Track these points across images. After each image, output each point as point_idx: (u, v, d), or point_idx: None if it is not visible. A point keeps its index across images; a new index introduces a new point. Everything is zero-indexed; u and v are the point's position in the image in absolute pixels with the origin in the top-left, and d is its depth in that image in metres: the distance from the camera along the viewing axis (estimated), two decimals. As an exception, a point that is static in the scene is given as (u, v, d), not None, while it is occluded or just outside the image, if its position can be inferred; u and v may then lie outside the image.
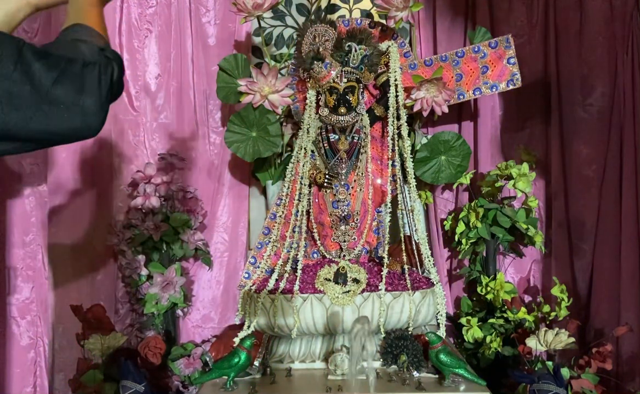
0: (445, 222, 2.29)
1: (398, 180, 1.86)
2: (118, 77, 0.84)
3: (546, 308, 2.05)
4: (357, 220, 1.86)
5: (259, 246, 1.99)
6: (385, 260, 1.78)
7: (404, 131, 1.87)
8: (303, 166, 1.86)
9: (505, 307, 2.07)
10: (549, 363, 1.86)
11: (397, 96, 1.87)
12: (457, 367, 1.61)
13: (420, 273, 1.88)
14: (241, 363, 1.63)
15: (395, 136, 1.86)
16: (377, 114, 1.93)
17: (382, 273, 1.74)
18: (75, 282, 2.31)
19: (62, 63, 0.76)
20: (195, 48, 2.40)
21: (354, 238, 1.87)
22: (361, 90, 1.89)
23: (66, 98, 0.74)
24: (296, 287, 1.73)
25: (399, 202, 1.94)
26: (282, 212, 1.91)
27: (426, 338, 1.66)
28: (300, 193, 1.86)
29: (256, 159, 2.14)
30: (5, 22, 0.95)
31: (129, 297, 2.28)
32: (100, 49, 0.82)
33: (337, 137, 1.87)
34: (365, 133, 1.88)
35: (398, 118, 1.87)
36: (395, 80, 1.88)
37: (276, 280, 1.78)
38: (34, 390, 2.29)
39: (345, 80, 1.83)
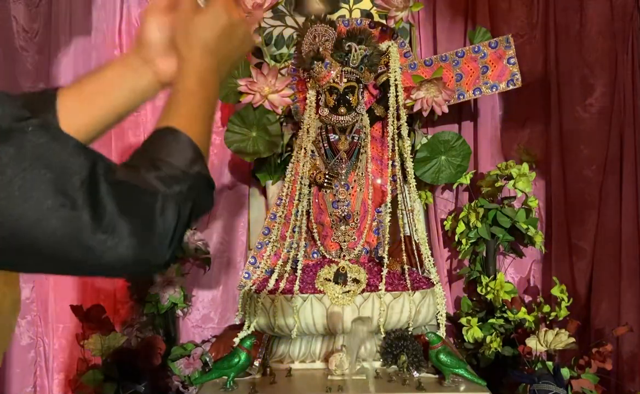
0: (445, 222, 2.28)
1: (398, 180, 1.86)
2: (201, 203, 0.71)
3: (546, 308, 2.04)
4: (357, 220, 1.86)
5: (259, 246, 1.99)
6: (385, 260, 1.78)
7: (404, 131, 1.87)
8: (303, 166, 1.86)
9: (505, 307, 2.07)
10: (549, 363, 1.86)
11: (397, 96, 1.87)
12: (457, 367, 1.61)
13: (420, 273, 1.88)
14: (241, 363, 1.63)
15: (395, 136, 1.86)
16: (377, 114, 1.92)
17: (382, 273, 1.74)
18: (75, 282, 2.31)
19: (132, 191, 0.64)
20: (195, 48, 2.39)
21: (354, 238, 1.87)
22: (361, 90, 1.89)
23: (124, 231, 0.62)
24: (296, 287, 1.73)
25: (399, 202, 1.94)
26: (282, 212, 1.91)
27: (426, 338, 1.66)
28: (300, 193, 1.86)
29: (256, 159, 2.14)
30: (129, 99, 0.84)
31: (129, 297, 2.28)
32: (181, 173, 0.68)
33: (337, 137, 1.87)
34: (365, 133, 1.88)
35: (398, 118, 1.87)
36: (395, 80, 1.88)
37: (276, 280, 1.78)
38: (34, 390, 2.29)
39: (345, 80, 1.83)
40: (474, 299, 2.23)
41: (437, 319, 1.83)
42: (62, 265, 0.64)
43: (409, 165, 1.88)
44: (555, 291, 2.06)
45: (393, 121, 1.85)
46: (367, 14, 2.24)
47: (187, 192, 0.68)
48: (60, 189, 0.60)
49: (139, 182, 0.65)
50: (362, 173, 1.88)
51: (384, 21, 2.00)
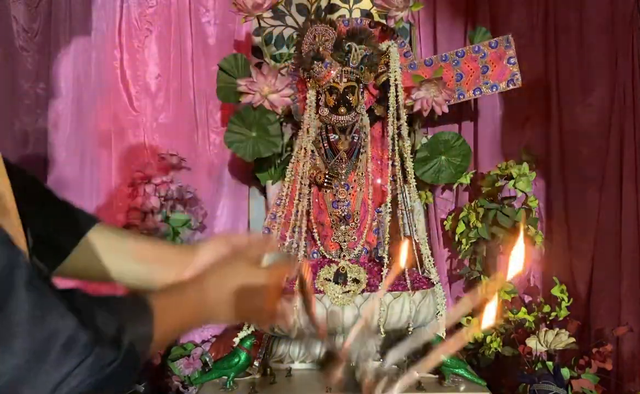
0: (445, 222, 2.28)
1: (398, 180, 1.86)
2: (114, 370, 0.59)
3: (546, 308, 2.04)
4: (357, 220, 1.86)
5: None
6: (385, 260, 1.78)
7: (404, 131, 1.87)
8: (303, 166, 1.86)
9: (506, 307, 2.07)
10: (549, 363, 1.86)
11: (397, 96, 1.87)
12: (457, 367, 1.61)
13: (420, 273, 1.88)
14: (241, 363, 1.64)
15: (395, 136, 1.86)
16: (377, 114, 1.92)
17: (382, 273, 1.74)
18: (74, 282, 2.31)
19: (46, 308, 0.55)
20: (195, 48, 2.40)
21: (354, 238, 1.87)
22: (361, 90, 1.89)
23: (20, 347, 0.53)
24: (296, 287, 1.73)
25: (399, 202, 1.94)
26: (282, 212, 1.91)
27: (426, 338, 1.66)
28: (300, 193, 1.86)
29: (256, 159, 2.14)
30: (139, 278, 0.85)
31: (129, 297, 2.27)
32: (120, 330, 0.61)
33: (337, 137, 1.87)
34: (365, 133, 1.88)
35: (398, 118, 1.87)
36: (395, 80, 1.88)
37: (276, 280, 1.78)
38: (34, 390, 2.29)
39: (345, 80, 1.83)
40: (474, 299, 2.22)
41: (437, 319, 1.83)
42: None
43: (409, 165, 1.88)
44: (555, 291, 2.06)
45: (393, 121, 1.85)
46: (367, 14, 2.24)
47: (108, 350, 0.58)
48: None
49: (68, 305, 0.57)
50: (362, 173, 1.88)
51: (384, 21, 2.00)
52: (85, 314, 0.58)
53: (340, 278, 1.74)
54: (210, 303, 0.77)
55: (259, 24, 2.11)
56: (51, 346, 0.54)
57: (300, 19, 2.25)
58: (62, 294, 0.58)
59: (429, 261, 1.87)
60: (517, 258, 0.71)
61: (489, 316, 0.69)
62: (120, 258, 0.86)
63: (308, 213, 1.89)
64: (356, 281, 1.74)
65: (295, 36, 2.14)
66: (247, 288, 0.79)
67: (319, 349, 1.77)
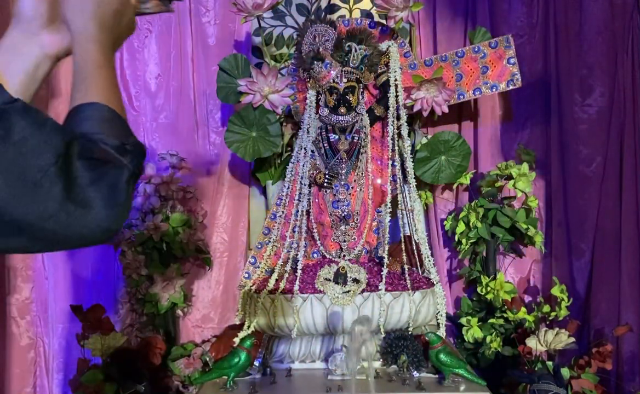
0: (445, 222, 2.28)
1: (398, 180, 1.86)
2: (139, 169, 0.76)
3: (546, 308, 2.05)
4: (357, 220, 1.86)
5: (259, 246, 1.99)
6: (385, 260, 1.78)
7: (404, 131, 1.87)
8: (303, 166, 1.87)
9: (505, 307, 2.07)
10: (549, 363, 1.86)
11: (397, 96, 1.87)
12: (457, 367, 1.61)
13: (420, 273, 1.88)
14: (241, 363, 1.64)
15: (395, 136, 1.86)
16: (377, 114, 1.92)
17: (382, 273, 1.74)
18: (75, 282, 2.31)
19: (103, 166, 0.69)
20: (195, 48, 2.40)
21: (354, 238, 1.87)
22: (361, 90, 1.89)
23: (95, 202, 0.67)
24: (296, 287, 1.73)
25: (399, 202, 1.94)
26: (282, 212, 1.91)
27: (426, 338, 1.66)
28: (300, 193, 1.86)
29: (256, 159, 2.14)
30: (25, 83, 0.85)
31: (129, 297, 2.27)
32: (123, 145, 0.73)
33: (337, 137, 1.87)
34: (365, 133, 1.88)
35: (398, 118, 1.87)
36: (395, 80, 1.88)
37: (276, 280, 1.78)
38: (33, 390, 2.29)
39: (345, 80, 1.83)
40: (474, 299, 2.23)
41: (437, 319, 1.83)
42: (36, 241, 0.68)
43: (409, 165, 1.88)
44: (555, 291, 2.06)
45: (393, 121, 1.85)
46: (367, 14, 2.24)
47: (133, 161, 0.73)
48: (36, 166, 0.65)
49: (107, 156, 0.70)
50: (362, 173, 1.88)
51: (384, 21, 2.00)
52: (111, 153, 0.71)
53: (340, 278, 1.74)
54: (110, 43, 0.81)
55: (259, 24, 2.11)
56: (116, 193, 0.69)
57: (300, 19, 2.25)
58: (91, 145, 0.71)
59: (429, 261, 1.87)
60: None
61: None
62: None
63: (308, 213, 1.89)
64: (356, 281, 1.74)
65: (295, 36, 2.14)
66: (114, 12, 0.82)
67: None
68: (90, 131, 0.72)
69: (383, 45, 1.91)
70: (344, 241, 1.87)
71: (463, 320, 2.14)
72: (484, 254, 2.20)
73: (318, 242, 1.89)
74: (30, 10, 0.83)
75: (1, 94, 0.67)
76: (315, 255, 1.94)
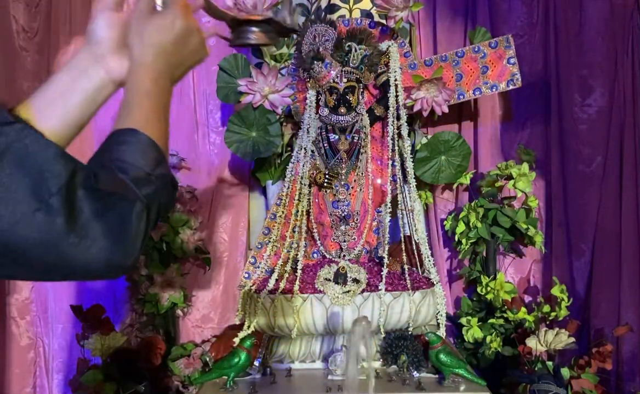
0: (445, 222, 2.28)
1: (398, 180, 1.86)
2: (165, 204, 0.72)
3: (546, 308, 2.05)
4: (357, 220, 1.86)
5: (259, 246, 1.99)
6: (385, 260, 1.78)
7: (404, 131, 1.87)
8: (303, 166, 1.86)
9: (505, 307, 2.07)
10: (549, 363, 1.86)
11: (397, 96, 1.87)
12: (457, 367, 1.61)
13: (420, 273, 1.88)
14: (241, 363, 1.63)
15: (395, 136, 1.86)
16: (377, 114, 1.92)
17: (382, 273, 1.74)
18: (75, 282, 2.31)
19: (110, 197, 0.65)
20: (195, 48, 2.39)
21: (354, 238, 1.87)
22: (361, 90, 1.89)
23: (100, 234, 0.63)
24: (296, 287, 1.73)
25: (399, 202, 1.94)
26: (282, 212, 1.91)
27: (426, 338, 1.66)
28: (300, 193, 1.86)
29: (256, 159, 2.14)
30: (85, 104, 0.83)
31: (129, 297, 2.28)
32: (147, 176, 0.69)
33: (337, 137, 1.87)
34: (365, 133, 1.88)
35: (398, 118, 1.87)
36: (395, 80, 1.88)
37: (276, 280, 1.78)
38: (33, 390, 2.29)
39: (345, 80, 1.83)
40: (474, 299, 2.23)
41: (437, 319, 1.83)
42: (36, 271, 0.65)
43: (409, 165, 1.88)
44: (555, 291, 2.06)
45: (393, 121, 1.85)
46: (367, 14, 2.23)
47: (154, 194, 0.69)
48: (36, 194, 0.61)
49: (116, 186, 0.66)
50: (362, 173, 1.88)
51: (384, 21, 2.00)
52: (125, 183, 0.67)
53: (340, 278, 1.74)
54: (164, 75, 0.79)
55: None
56: (124, 226, 0.65)
57: (300, 19, 2.25)
58: (101, 174, 0.67)
59: (429, 261, 1.87)
60: None
61: None
62: (50, 113, 0.82)
63: (308, 213, 1.89)
64: (356, 281, 1.74)
65: (295, 36, 2.14)
66: (178, 36, 0.81)
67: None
68: (118, 157, 0.69)
69: (383, 45, 1.91)
70: (344, 241, 1.87)
71: (463, 320, 2.14)
72: (484, 254, 2.20)
73: (318, 242, 1.89)
74: (102, 33, 0.83)
75: (1, 114, 0.65)
76: (315, 255, 1.94)
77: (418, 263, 1.89)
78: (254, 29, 0.85)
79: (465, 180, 2.21)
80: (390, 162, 1.84)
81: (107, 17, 0.84)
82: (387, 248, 1.80)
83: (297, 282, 1.74)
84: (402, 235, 1.98)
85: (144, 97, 0.77)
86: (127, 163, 0.69)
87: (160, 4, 0.83)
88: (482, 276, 2.17)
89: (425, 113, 2.02)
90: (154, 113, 0.76)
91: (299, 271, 1.76)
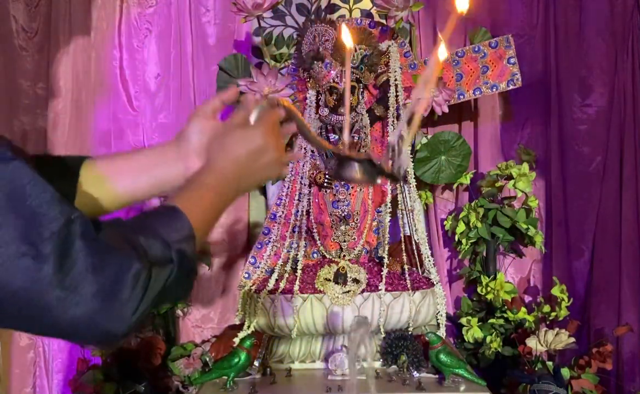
0: (445, 222, 2.28)
1: (398, 180, 1.86)
2: (174, 280, 0.65)
3: (546, 308, 2.04)
4: (357, 220, 1.86)
5: (259, 246, 1.99)
6: (385, 260, 1.78)
7: (404, 131, 1.87)
8: (303, 166, 1.86)
9: (506, 307, 2.07)
10: (549, 363, 1.86)
11: (397, 96, 1.87)
12: (457, 367, 1.61)
13: (420, 273, 1.88)
14: (241, 363, 1.63)
15: (396, 136, 1.85)
16: (377, 114, 1.92)
17: (382, 273, 1.74)
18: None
19: (108, 252, 0.60)
20: (195, 48, 2.39)
21: (354, 238, 1.87)
22: (361, 90, 1.89)
23: (89, 291, 0.58)
24: (296, 287, 1.73)
25: (399, 202, 1.94)
26: (282, 212, 1.91)
27: (426, 338, 1.66)
28: (300, 193, 1.86)
29: (256, 159, 2.14)
30: (153, 185, 0.86)
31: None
32: (165, 246, 0.65)
33: (337, 137, 1.87)
34: (365, 133, 1.88)
35: (398, 118, 1.87)
36: (395, 80, 1.88)
37: (276, 280, 1.78)
38: (33, 390, 2.29)
39: (345, 80, 1.83)
40: (474, 299, 2.23)
41: (437, 319, 1.83)
42: (15, 319, 0.59)
43: (409, 165, 1.88)
44: (555, 291, 2.06)
45: (393, 121, 1.85)
46: (367, 14, 2.23)
47: (164, 264, 0.64)
48: (26, 237, 0.57)
49: (117, 243, 0.61)
50: (362, 173, 1.87)
51: (384, 21, 2.00)
52: (134, 244, 0.62)
53: (340, 278, 1.73)
54: (230, 182, 0.80)
55: (259, 24, 2.11)
56: (118, 287, 0.59)
57: (300, 19, 2.24)
58: (112, 232, 0.63)
59: (429, 261, 1.87)
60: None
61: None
62: (120, 179, 0.85)
63: (308, 213, 1.89)
64: (356, 281, 1.74)
65: (295, 36, 2.14)
66: (252, 150, 0.83)
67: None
68: (142, 220, 0.67)
69: (383, 45, 1.91)
70: (344, 241, 1.86)
71: (463, 320, 2.14)
72: (484, 254, 2.20)
73: (318, 242, 1.89)
74: (193, 137, 0.87)
75: (1, 150, 0.60)
76: (315, 255, 1.94)
77: (418, 263, 1.89)
78: (357, 166, 0.86)
79: (465, 180, 2.21)
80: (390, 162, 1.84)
81: (201, 124, 0.88)
82: (387, 248, 1.80)
83: (297, 282, 1.74)
84: (402, 235, 1.98)
85: (201, 187, 0.77)
86: (148, 227, 0.66)
87: (253, 120, 0.86)
88: (482, 276, 2.17)
89: (425, 113, 2.02)
90: (205, 204, 0.75)
91: (299, 271, 1.76)
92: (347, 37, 0.96)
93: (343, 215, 1.85)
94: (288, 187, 1.91)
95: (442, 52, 0.84)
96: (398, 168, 0.85)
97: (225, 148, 0.82)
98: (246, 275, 1.96)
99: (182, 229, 0.69)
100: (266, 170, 0.86)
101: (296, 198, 1.87)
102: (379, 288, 1.72)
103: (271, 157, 0.85)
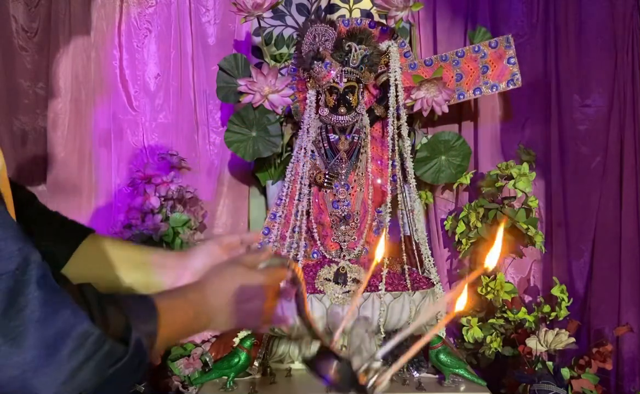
0: (445, 222, 2.28)
1: (398, 180, 1.86)
2: (122, 366, 0.59)
3: (546, 308, 2.04)
4: (357, 220, 1.86)
5: (259, 246, 1.99)
6: (385, 260, 1.78)
7: (404, 131, 1.87)
8: (303, 166, 1.86)
9: (506, 307, 2.07)
10: (549, 363, 1.86)
11: (397, 96, 1.87)
12: (457, 367, 1.61)
13: (420, 273, 1.88)
14: (241, 363, 1.64)
15: (395, 136, 1.86)
16: (377, 114, 1.92)
17: (382, 273, 1.74)
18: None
19: (60, 302, 0.55)
20: (195, 48, 2.39)
21: (354, 238, 1.87)
22: (361, 90, 1.89)
23: (31, 344, 0.52)
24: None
25: (399, 202, 1.94)
26: (282, 212, 1.91)
27: (426, 338, 1.65)
28: (300, 193, 1.86)
29: (256, 159, 2.14)
30: (139, 280, 0.87)
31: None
32: (127, 328, 0.61)
33: (337, 137, 1.87)
34: (365, 133, 1.88)
35: (398, 118, 1.87)
36: (395, 80, 1.88)
37: (276, 280, 1.78)
38: (33, 390, 2.28)
39: (345, 80, 1.83)
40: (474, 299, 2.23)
41: (437, 319, 1.83)
42: None
43: (409, 165, 1.88)
44: (556, 291, 2.06)
45: (393, 121, 1.85)
46: (367, 14, 2.23)
47: (117, 346, 0.59)
48: None
49: (76, 298, 0.57)
50: (362, 173, 1.88)
51: (384, 21, 2.00)
52: (95, 308, 0.58)
53: (340, 278, 1.73)
54: (211, 308, 0.78)
55: (259, 24, 2.11)
56: (62, 342, 0.54)
57: (300, 19, 2.25)
58: (73, 288, 0.59)
59: (429, 261, 1.87)
60: (494, 254, 0.73)
61: (462, 302, 0.76)
62: (116, 265, 0.87)
63: (308, 213, 1.89)
64: (356, 281, 1.74)
65: (295, 36, 2.14)
66: (245, 291, 0.80)
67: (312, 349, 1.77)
68: (118, 299, 0.63)
69: (383, 45, 1.91)
70: (344, 241, 1.86)
71: (463, 320, 2.14)
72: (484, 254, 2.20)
73: (318, 242, 1.89)
74: (202, 255, 0.91)
75: None
76: (315, 255, 1.94)
77: (418, 263, 1.89)
78: (335, 364, 0.81)
79: (466, 180, 2.21)
80: (390, 162, 1.84)
81: (212, 249, 0.91)
82: (387, 249, 1.80)
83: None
84: (402, 235, 1.98)
85: (185, 300, 0.74)
86: (121, 302, 0.62)
87: (261, 267, 0.86)
88: (482, 276, 2.17)
89: (425, 113, 2.02)
90: (178, 316, 0.72)
91: (299, 271, 1.76)
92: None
93: (343, 215, 1.85)
94: (288, 187, 1.91)
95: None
96: (372, 388, 0.80)
97: (221, 276, 0.81)
98: (246, 275, 1.96)
99: (149, 323, 0.65)
100: (248, 317, 0.83)
101: (296, 198, 1.87)
102: (379, 288, 1.72)
103: (258, 308, 0.83)
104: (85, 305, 0.58)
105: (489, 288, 2.11)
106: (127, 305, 0.64)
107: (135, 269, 0.88)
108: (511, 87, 2.07)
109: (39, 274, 0.55)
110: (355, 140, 1.87)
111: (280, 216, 1.91)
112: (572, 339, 1.87)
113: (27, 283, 0.54)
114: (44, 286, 0.55)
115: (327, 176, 1.85)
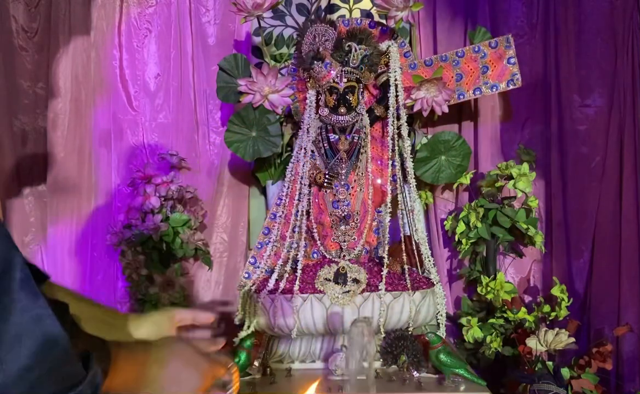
0: (445, 222, 2.28)
1: (398, 180, 1.86)
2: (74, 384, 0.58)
3: (546, 308, 2.05)
4: (357, 220, 1.86)
5: (259, 246, 1.99)
6: (385, 260, 1.78)
7: (404, 131, 1.87)
8: (303, 166, 1.86)
9: (506, 307, 2.07)
10: (549, 363, 1.86)
11: (397, 96, 1.87)
12: (457, 367, 1.61)
13: (420, 273, 1.88)
14: (241, 363, 1.64)
15: (395, 136, 1.86)
16: (377, 114, 1.92)
17: (382, 273, 1.74)
18: (74, 281, 2.31)
19: (33, 295, 0.54)
20: (195, 48, 2.40)
21: (354, 238, 1.87)
22: (361, 90, 1.89)
23: (27, 352, 0.52)
24: (296, 287, 1.73)
25: (399, 202, 1.94)
26: (282, 212, 1.91)
27: (426, 338, 1.66)
28: (300, 193, 1.86)
29: (256, 159, 2.14)
30: (102, 328, 0.83)
31: (129, 297, 2.27)
32: (85, 357, 0.61)
33: (337, 137, 1.87)
34: (365, 133, 1.88)
35: (398, 118, 1.87)
36: (396, 80, 1.88)
37: (276, 280, 1.78)
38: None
39: (345, 80, 1.83)
40: (474, 299, 2.23)
41: (437, 319, 1.83)
42: None
43: (409, 165, 1.88)
44: (556, 291, 2.06)
45: (393, 121, 1.85)
46: (367, 14, 2.24)
47: (77, 365, 0.59)
48: None
49: (51, 313, 0.56)
50: (362, 173, 1.88)
51: (384, 21, 2.00)
52: (67, 325, 0.59)
53: (340, 278, 1.73)
54: (151, 376, 0.79)
55: (259, 24, 2.11)
56: (19, 340, 0.53)
57: (300, 19, 2.25)
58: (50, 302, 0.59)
59: (429, 261, 1.87)
60: None
61: None
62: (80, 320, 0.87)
63: (308, 213, 1.89)
64: (356, 281, 1.74)
65: (295, 36, 2.14)
66: (185, 371, 0.82)
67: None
68: (83, 332, 0.65)
69: (383, 45, 1.91)
70: (344, 241, 1.86)
71: (463, 320, 2.14)
72: (484, 254, 2.20)
73: (318, 242, 1.89)
74: (151, 323, 0.94)
75: None
76: (315, 255, 1.94)
77: (418, 263, 1.89)
78: None
79: (465, 180, 2.21)
80: (390, 162, 1.84)
81: (162, 320, 0.95)
82: (387, 248, 1.80)
83: (297, 282, 1.74)
84: (402, 235, 1.98)
85: (131, 354, 0.76)
86: (80, 330, 0.64)
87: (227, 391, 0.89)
88: (482, 276, 2.17)
89: (425, 113, 2.02)
90: (128, 366, 0.73)
91: (299, 271, 1.76)
92: None
93: (343, 215, 1.85)
94: (288, 187, 1.91)
95: None
96: None
97: (170, 350, 0.83)
98: (246, 275, 1.96)
99: (104, 362, 0.66)
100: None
101: (296, 198, 1.87)
102: (379, 288, 1.72)
103: (190, 391, 0.83)
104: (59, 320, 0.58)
105: (489, 288, 2.11)
106: (88, 338, 0.66)
107: (85, 323, 0.85)
108: (511, 87, 2.07)
109: (22, 272, 0.54)
110: (355, 140, 1.87)
111: (280, 216, 1.91)
112: (572, 339, 1.87)
113: (10, 284, 0.53)
114: (26, 288, 0.53)
115: (327, 176, 1.85)
